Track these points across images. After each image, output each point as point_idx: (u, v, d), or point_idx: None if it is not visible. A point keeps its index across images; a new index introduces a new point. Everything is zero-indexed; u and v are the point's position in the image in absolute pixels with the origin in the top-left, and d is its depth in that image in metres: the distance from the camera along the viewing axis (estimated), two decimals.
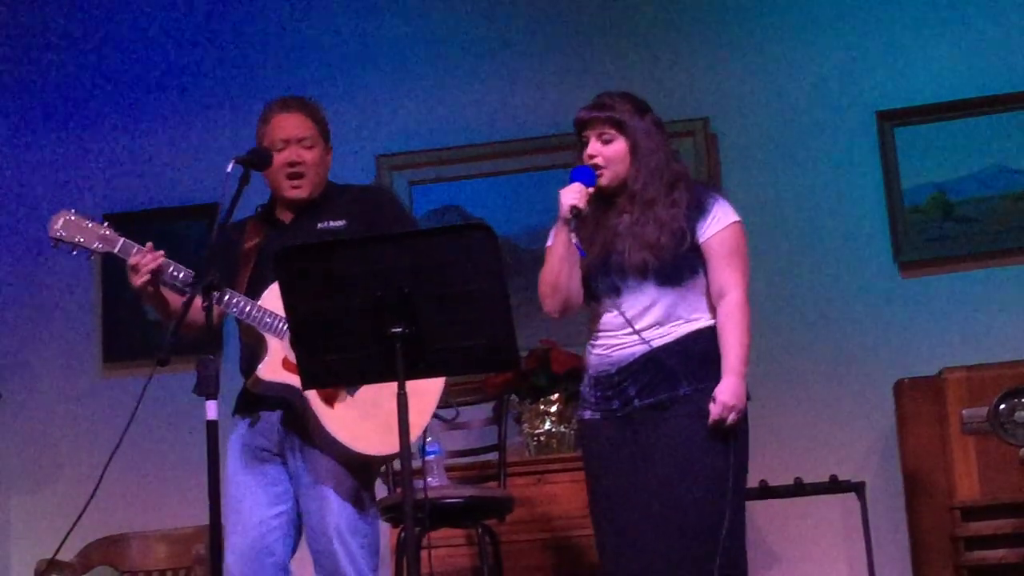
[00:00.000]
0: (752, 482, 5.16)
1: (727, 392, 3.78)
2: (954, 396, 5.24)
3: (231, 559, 3.93)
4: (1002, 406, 5.17)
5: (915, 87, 6.04)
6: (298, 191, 4.08)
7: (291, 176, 4.06)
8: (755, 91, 6.16)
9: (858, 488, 5.23)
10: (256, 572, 3.94)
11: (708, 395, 3.81)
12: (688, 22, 6.29)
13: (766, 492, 5.29)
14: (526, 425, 5.80)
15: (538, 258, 6.10)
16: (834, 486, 5.27)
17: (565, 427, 5.77)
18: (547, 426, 5.76)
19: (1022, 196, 5.92)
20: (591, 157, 3.96)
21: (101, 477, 3.79)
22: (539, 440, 5.76)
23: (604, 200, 3.99)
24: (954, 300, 5.90)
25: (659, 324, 3.89)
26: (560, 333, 5.93)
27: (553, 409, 5.76)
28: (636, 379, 3.89)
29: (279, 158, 4.04)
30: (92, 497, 3.81)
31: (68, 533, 4.02)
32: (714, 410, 3.77)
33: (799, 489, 5.29)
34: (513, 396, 5.69)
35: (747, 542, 3.89)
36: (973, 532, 5.18)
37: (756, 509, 5.62)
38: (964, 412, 5.22)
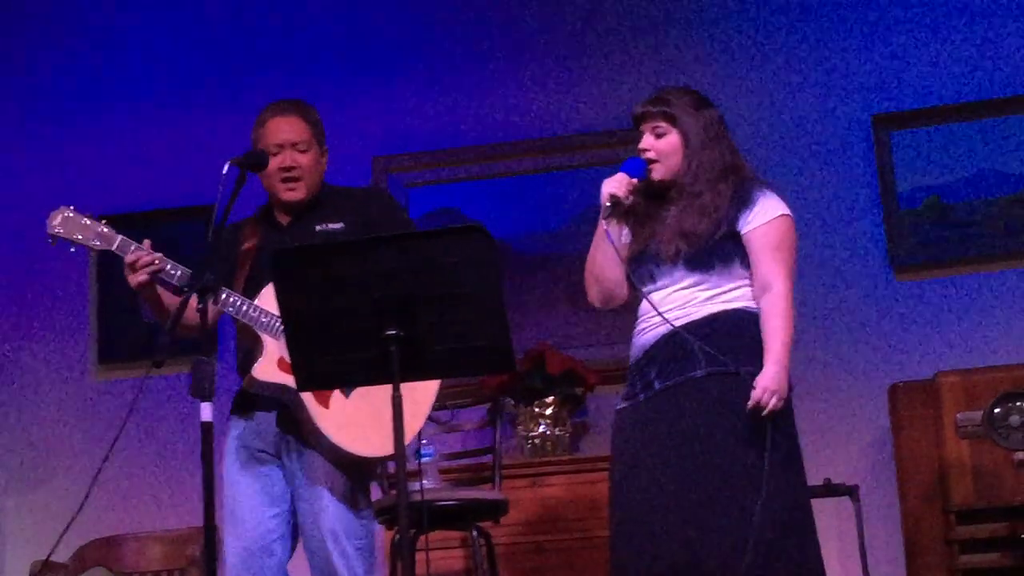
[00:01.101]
0: None
1: (768, 377, 3.74)
2: (949, 400, 5.25)
3: (231, 561, 3.93)
4: (996, 410, 5.17)
5: (911, 91, 6.05)
6: (293, 193, 4.08)
7: (286, 180, 4.06)
8: (751, 95, 6.16)
9: (852, 492, 5.23)
10: (256, 573, 3.94)
11: (727, 380, 3.78)
12: (684, 26, 6.29)
13: None
14: (521, 427, 5.80)
15: (534, 260, 6.19)
16: (828, 489, 5.26)
17: (560, 429, 5.77)
18: (542, 428, 5.76)
19: (1017, 200, 5.93)
20: (644, 151, 3.98)
21: (95, 478, 3.79)
22: (534, 442, 5.76)
23: (657, 193, 4.00)
24: (949, 303, 5.91)
25: (682, 306, 3.88)
26: (556, 335, 5.95)
27: (548, 411, 5.77)
28: (655, 361, 3.88)
29: (273, 162, 4.04)
30: (87, 498, 3.81)
31: (63, 534, 4.02)
32: (755, 393, 3.72)
33: None
34: (508, 398, 5.69)
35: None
36: (967, 536, 5.18)
37: None
38: (959, 416, 5.22)
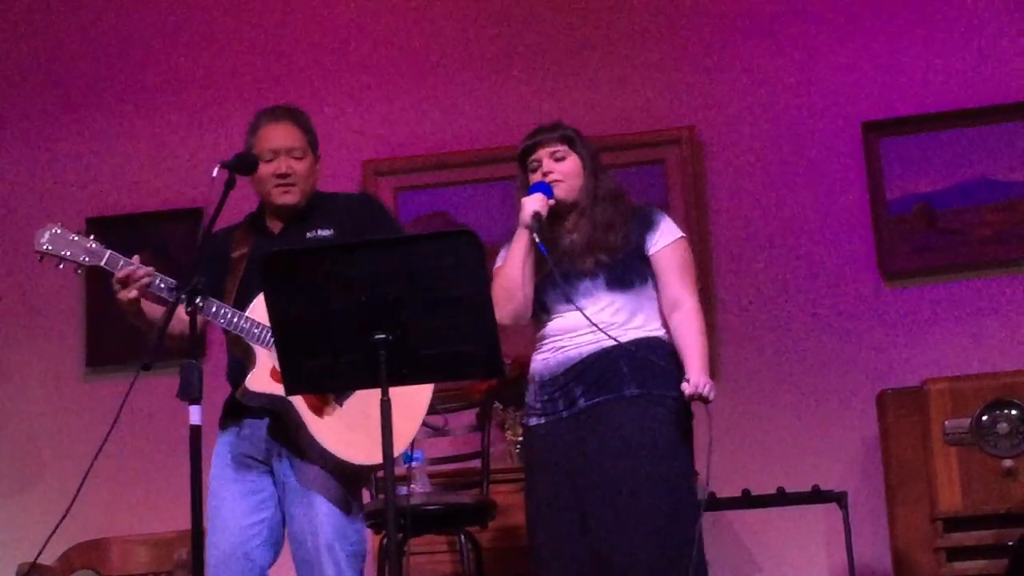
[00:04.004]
0: (734, 491, 5.19)
1: (702, 373, 3.88)
2: (937, 407, 5.24)
3: (211, 564, 3.91)
4: (984, 417, 5.18)
5: (901, 98, 6.06)
6: (288, 196, 4.07)
7: (280, 185, 4.05)
8: (742, 101, 6.17)
9: (840, 498, 5.23)
10: None
11: (654, 400, 3.90)
12: (676, 32, 6.29)
13: (748, 501, 5.29)
14: (509, 432, 5.80)
15: None
16: (816, 496, 5.27)
17: None
18: None
19: (1006, 207, 5.93)
20: (547, 173, 4.06)
21: (83, 481, 3.78)
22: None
23: (553, 218, 4.08)
24: (938, 311, 5.91)
25: (615, 325, 3.96)
26: None
27: None
28: (582, 379, 3.96)
29: (268, 168, 4.03)
30: (74, 501, 3.80)
31: (49, 537, 4.01)
32: (694, 380, 3.83)
33: (781, 498, 5.29)
34: (497, 403, 5.68)
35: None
36: (955, 543, 5.18)
37: (738, 518, 5.63)
38: (947, 423, 5.22)
